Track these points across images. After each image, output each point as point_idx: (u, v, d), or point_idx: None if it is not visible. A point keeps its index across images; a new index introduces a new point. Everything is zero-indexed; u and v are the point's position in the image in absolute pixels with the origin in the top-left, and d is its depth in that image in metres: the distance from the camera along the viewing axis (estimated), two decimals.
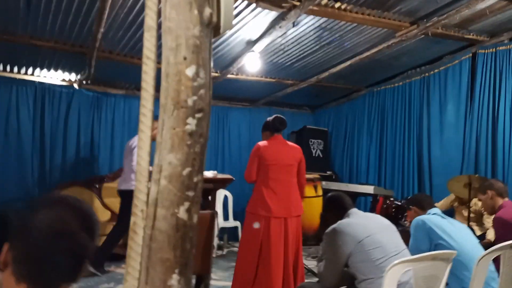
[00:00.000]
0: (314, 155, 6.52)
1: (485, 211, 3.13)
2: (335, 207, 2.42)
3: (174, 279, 0.76)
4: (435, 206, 2.77)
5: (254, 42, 4.13)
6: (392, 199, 4.82)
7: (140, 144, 0.79)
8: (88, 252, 0.92)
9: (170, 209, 0.76)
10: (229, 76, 5.16)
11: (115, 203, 5.18)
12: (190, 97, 0.75)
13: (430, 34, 3.97)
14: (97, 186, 5.21)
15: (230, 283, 3.39)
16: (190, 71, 0.75)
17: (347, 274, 2.23)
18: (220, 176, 3.57)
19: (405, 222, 4.40)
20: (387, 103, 5.73)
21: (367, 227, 2.21)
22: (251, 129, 6.82)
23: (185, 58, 0.75)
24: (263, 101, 6.74)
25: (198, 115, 0.76)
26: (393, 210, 4.67)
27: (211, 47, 0.79)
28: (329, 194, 2.58)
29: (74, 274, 0.91)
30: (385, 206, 4.74)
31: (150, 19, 0.80)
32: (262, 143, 3.32)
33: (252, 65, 4.59)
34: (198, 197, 0.80)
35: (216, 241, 5.07)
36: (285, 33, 3.93)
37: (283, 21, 3.51)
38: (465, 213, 4.01)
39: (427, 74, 5.09)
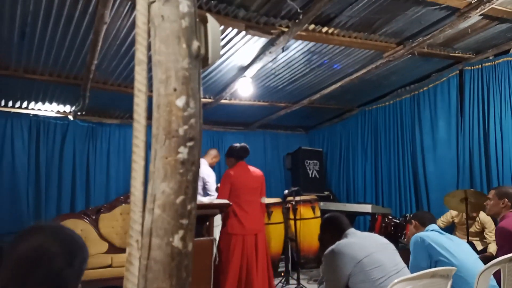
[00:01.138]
0: (310, 175, 6.53)
1: (488, 212, 3.11)
2: (332, 228, 2.41)
3: None
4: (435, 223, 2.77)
5: (246, 68, 4.21)
6: (390, 217, 4.80)
7: (133, 174, 0.80)
8: (64, 277, 0.98)
9: (164, 238, 0.77)
10: (223, 101, 5.22)
11: (112, 234, 5.12)
12: (181, 127, 0.77)
13: (416, 54, 4.08)
14: (93, 217, 5.15)
15: None
16: (180, 102, 0.78)
17: None
18: (217, 201, 3.56)
19: (405, 239, 4.38)
20: (380, 122, 5.80)
21: (365, 246, 2.20)
22: None
23: (175, 90, 0.78)
24: (257, 124, 6.79)
25: (189, 144, 0.78)
26: (392, 228, 4.65)
27: (200, 78, 0.82)
28: (326, 216, 2.58)
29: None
30: (384, 224, 4.73)
31: (140, 53, 0.83)
32: (232, 170, 3.85)
33: (244, 90, 4.65)
34: (192, 224, 0.81)
35: None
36: (275, 58, 4.02)
37: (273, 47, 3.59)
38: (470, 228, 4.00)
39: (416, 92, 5.19)
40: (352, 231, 2.36)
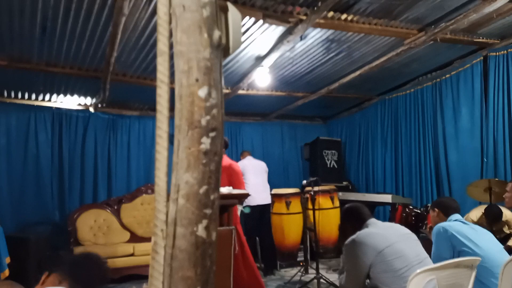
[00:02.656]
0: (329, 166, 6.48)
1: (507, 204, 3.03)
2: (353, 218, 2.39)
3: None
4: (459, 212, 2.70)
5: (263, 58, 4.18)
6: (411, 207, 4.74)
7: (157, 165, 0.81)
8: (107, 269, 1.54)
9: (189, 227, 0.78)
10: (240, 92, 5.21)
11: (133, 223, 5.23)
12: (204, 117, 0.77)
13: (439, 40, 3.96)
14: (115, 207, 5.27)
15: None
16: (202, 92, 0.77)
17: (370, 286, 2.19)
18: (236, 191, 3.57)
19: (426, 229, 4.31)
20: (400, 111, 5.69)
21: (386, 237, 2.17)
22: (264, 143, 6.85)
23: (197, 80, 0.77)
24: (274, 114, 6.77)
25: (211, 134, 0.78)
26: (413, 218, 4.59)
27: (222, 68, 0.82)
28: (346, 206, 2.56)
29: (101, 280, 1.46)
30: (404, 214, 4.67)
31: (162, 44, 0.83)
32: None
33: (262, 80, 4.63)
34: (216, 214, 0.81)
35: None
36: (293, 47, 3.98)
37: (291, 36, 3.55)
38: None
39: (438, 79, 5.06)
40: (373, 221, 2.33)
